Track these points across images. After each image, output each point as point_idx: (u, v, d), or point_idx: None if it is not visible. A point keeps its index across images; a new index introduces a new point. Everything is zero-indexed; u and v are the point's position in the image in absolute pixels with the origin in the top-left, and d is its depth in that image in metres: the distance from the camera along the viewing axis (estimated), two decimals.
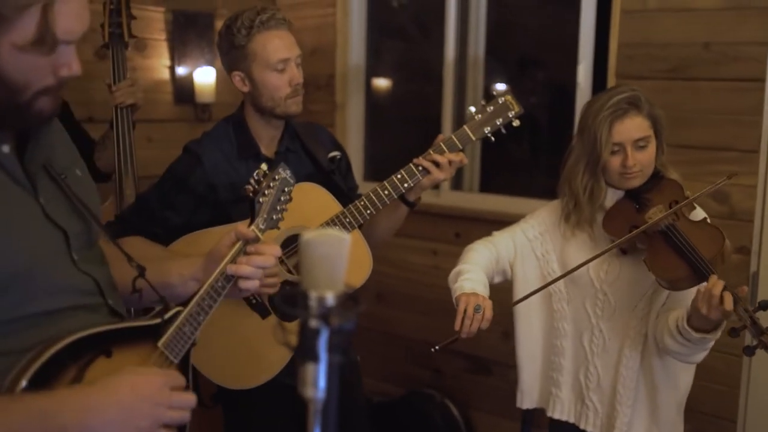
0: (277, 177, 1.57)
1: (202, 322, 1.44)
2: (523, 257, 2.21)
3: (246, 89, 2.19)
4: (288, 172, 1.60)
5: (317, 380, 0.90)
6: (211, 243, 1.99)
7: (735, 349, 1.84)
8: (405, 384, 3.60)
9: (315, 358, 0.89)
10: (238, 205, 2.12)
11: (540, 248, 2.19)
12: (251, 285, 1.51)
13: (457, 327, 2.00)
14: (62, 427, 1.15)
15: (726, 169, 2.52)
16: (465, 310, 1.98)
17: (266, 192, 1.55)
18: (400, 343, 3.60)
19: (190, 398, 1.30)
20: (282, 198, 1.58)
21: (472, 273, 2.12)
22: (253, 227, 1.53)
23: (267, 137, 2.25)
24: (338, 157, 2.36)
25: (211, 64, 3.55)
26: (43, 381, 1.18)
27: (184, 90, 3.53)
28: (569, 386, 2.16)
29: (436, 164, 2.13)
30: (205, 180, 2.16)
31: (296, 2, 3.79)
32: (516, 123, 2.19)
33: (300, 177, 2.18)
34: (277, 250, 1.53)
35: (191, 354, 1.47)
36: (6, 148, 1.25)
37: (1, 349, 1.20)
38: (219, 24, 3.57)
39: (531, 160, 3.71)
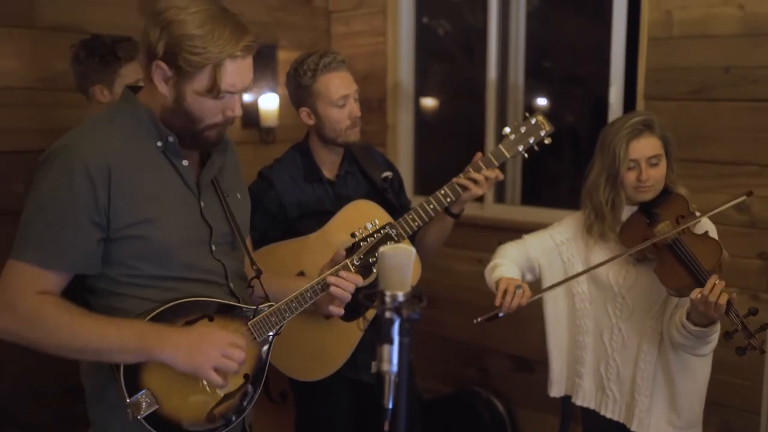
0: (382, 231, 1.92)
1: (287, 318, 1.85)
2: (551, 259, 2.46)
3: (311, 122, 2.50)
4: (394, 231, 1.94)
5: (392, 358, 1.21)
6: (284, 254, 2.39)
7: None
8: (453, 382, 3.84)
9: (390, 341, 1.20)
10: (305, 221, 2.47)
11: (566, 252, 2.44)
12: (336, 310, 1.93)
13: (497, 303, 2.22)
14: (149, 345, 1.62)
15: (745, 183, 2.76)
16: (506, 290, 2.21)
17: (368, 239, 1.90)
18: (448, 344, 3.83)
19: (241, 354, 1.71)
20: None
21: (508, 266, 2.38)
22: (348, 260, 1.89)
23: (329, 162, 2.57)
24: (390, 176, 2.65)
25: (274, 90, 3.83)
26: (160, 321, 1.67)
27: (250, 115, 3.77)
28: (590, 377, 2.41)
29: (474, 181, 2.42)
30: (277, 200, 2.48)
31: (350, 32, 4.11)
32: (548, 140, 2.46)
33: (357, 195, 2.51)
34: (359, 280, 1.90)
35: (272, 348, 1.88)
36: (185, 162, 1.74)
37: (145, 297, 1.69)
38: (281, 54, 3.91)
39: (569, 174, 3.91)
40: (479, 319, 2.26)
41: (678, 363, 2.26)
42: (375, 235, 1.92)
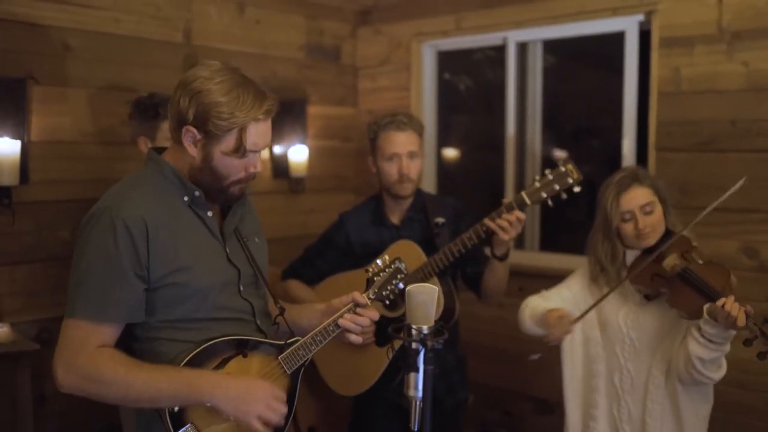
0: (392, 265, 2.05)
1: (313, 351, 1.98)
2: (569, 309, 2.56)
3: (373, 170, 2.88)
4: (403, 264, 2.06)
5: (418, 384, 1.36)
6: (342, 282, 2.79)
7: None
8: (476, 424, 3.93)
9: (416, 369, 1.36)
10: (369, 258, 2.73)
11: (582, 301, 2.58)
12: (354, 338, 2.01)
13: (550, 337, 2.40)
14: (199, 392, 1.75)
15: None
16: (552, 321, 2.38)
17: (381, 274, 2.04)
18: (472, 387, 3.92)
19: (282, 408, 1.85)
20: (393, 281, 2.04)
21: (543, 300, 2.56)
22: (364, 295, 2.01)
23: (396, 209, 2.89)
24: (441, 222, 2.84)
25: (303, 142, 4.03)
26: (197, 362, 1.82)
27: (280, 166, 3.98)
28: (605, 419, 2.52)
29: (500, 225, 2.56)
30: (346, 239, 2.90)
31: (376, 87, 4.35)
32: (576, 189, 2.56)
33: (418, 239, 2.76)
34: (375, 315, 2.00)
35: (303, 372, 2.00)
36: (210, 213, 1.91)
37: (182, 339, 1.84)
38: (310, 108, 4.13)
39: (586, 222, 4.06)
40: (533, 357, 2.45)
41: (686, 398, 2.36)
42: (386, 270, 2.06)
